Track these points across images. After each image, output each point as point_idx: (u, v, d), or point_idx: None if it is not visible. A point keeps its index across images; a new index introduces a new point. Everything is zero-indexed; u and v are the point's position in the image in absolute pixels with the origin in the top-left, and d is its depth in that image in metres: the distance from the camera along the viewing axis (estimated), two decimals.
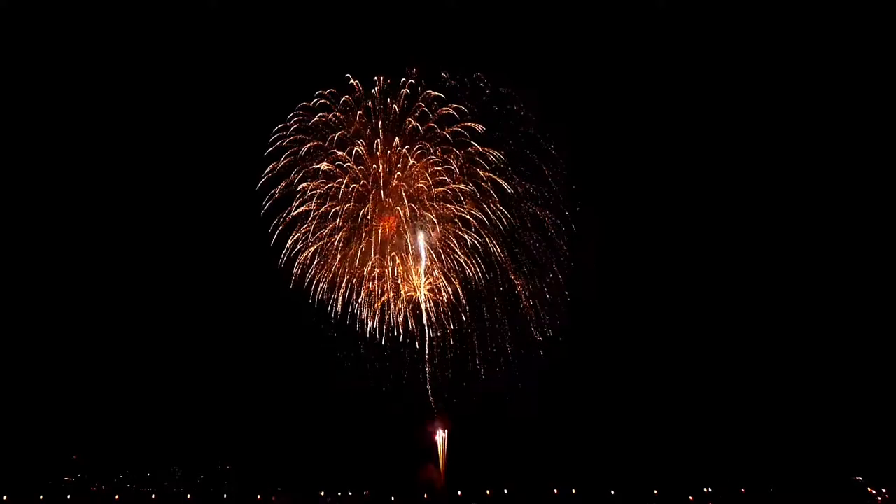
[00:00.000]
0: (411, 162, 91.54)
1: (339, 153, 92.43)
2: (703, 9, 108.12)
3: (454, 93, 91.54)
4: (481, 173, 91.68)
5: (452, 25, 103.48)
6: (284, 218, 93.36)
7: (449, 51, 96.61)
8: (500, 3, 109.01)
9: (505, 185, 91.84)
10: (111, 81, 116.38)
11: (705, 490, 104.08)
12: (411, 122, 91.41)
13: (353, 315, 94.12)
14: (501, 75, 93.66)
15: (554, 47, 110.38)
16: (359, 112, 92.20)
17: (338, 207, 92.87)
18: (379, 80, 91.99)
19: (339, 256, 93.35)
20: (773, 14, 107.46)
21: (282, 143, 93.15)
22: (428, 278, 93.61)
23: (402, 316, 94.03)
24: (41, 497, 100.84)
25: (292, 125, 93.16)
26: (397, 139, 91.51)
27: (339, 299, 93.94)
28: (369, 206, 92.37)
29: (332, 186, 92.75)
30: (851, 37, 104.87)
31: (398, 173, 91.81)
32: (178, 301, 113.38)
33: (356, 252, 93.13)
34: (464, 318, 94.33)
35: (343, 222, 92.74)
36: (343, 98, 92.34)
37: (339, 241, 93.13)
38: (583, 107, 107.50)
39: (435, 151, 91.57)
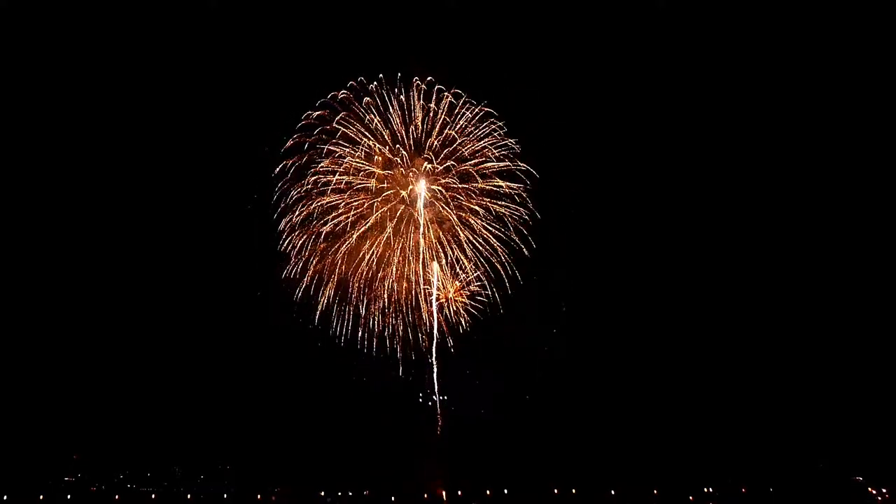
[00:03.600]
0: (416, 169, 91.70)
1: (340, 162, 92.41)
2: (703, 9, 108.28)
3: (456, 99, 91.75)
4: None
5: (453, 26, 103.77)
6: (288, 222, 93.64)
7: (450, 51, 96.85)
8: (499, 3, 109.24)
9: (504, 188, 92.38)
10: (108, 81, 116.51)
11: (706, 490, 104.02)
12: (413, 130, 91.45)
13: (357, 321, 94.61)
14: (500, 76, 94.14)
15: (554, 48, 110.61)
16: (358, 122, 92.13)
17: (343, 216, 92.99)
18: (376, 87, 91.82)
19: (346, 261, 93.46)
20: (773, 14, 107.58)
21: (286, 149, 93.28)
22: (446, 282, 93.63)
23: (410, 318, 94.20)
24: (41, 497, 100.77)
25: (294, 136, 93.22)
26: (398, 147, 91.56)
27: (350, 305, 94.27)
28: (375, 216, 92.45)
29: (335, 197, 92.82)
30: (851, 37, 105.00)
31: (403, 182, 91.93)
32: (178, 301, 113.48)
33: (365, 256, 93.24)
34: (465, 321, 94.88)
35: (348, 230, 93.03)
36: (344, 104, 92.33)
37: (347, 245, 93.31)
38: (582, 106, 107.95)
39: (438, 160, 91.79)
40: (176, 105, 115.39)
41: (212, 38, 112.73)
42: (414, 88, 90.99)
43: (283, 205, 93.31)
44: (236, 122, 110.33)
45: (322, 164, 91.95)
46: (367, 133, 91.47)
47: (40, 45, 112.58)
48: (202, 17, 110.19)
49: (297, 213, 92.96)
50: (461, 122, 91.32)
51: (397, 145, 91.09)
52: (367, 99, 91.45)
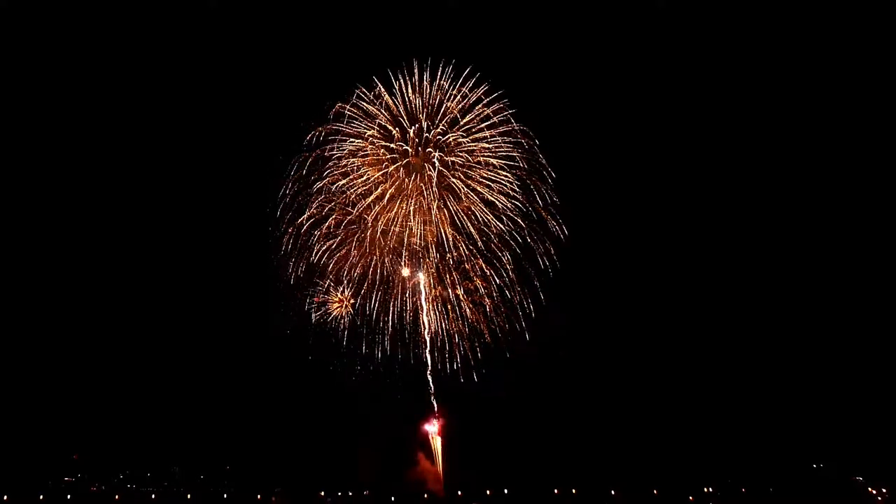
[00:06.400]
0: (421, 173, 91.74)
1: (344, 166, 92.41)
2: (703, 9, 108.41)
3: (459, 103, 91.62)
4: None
5: (453, 25, 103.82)
6: (290, 225, 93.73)
7: (449, 50, 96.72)
8: (500, 3, 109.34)
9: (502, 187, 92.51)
10: (106, 81, 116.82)
11: (705, 490, 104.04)
12: (412, 138, 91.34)
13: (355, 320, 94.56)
14: (500, 76, 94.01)
15: (554, 47, 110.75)
16: (356, 134, 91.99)
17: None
18: (375, 95, 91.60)
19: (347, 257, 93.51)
20: (773, 14, 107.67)
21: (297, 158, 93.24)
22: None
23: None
24: (41, 497, 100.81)
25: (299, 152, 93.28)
26: (396, 153, 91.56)
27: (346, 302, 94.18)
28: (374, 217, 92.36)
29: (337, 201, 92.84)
30: (851, 37, 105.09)
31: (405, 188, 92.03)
32: (179, 301, 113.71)
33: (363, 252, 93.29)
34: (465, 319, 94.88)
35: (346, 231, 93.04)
36: (340, 115, 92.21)
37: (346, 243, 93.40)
38: (582, 106, 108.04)
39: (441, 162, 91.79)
40: (174, 108, 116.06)
41: (211, 39, 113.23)
42: (415, 93, 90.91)
43: (281, 224, 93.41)
44: (232, 132, 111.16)
45: (312, 177, 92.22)
46: (364, 142, 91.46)
47: (40, 46, 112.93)
48: (202, 18, 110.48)
49: (291, 234, 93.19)
50: (462, 128, 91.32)
51: (394, 155, 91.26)
52: (365, 105, 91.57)
